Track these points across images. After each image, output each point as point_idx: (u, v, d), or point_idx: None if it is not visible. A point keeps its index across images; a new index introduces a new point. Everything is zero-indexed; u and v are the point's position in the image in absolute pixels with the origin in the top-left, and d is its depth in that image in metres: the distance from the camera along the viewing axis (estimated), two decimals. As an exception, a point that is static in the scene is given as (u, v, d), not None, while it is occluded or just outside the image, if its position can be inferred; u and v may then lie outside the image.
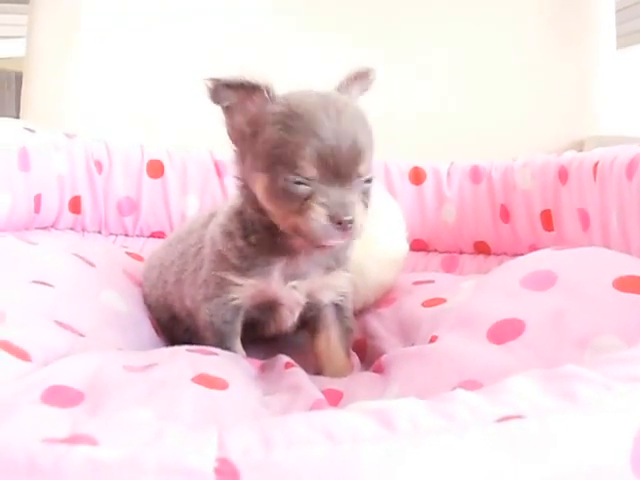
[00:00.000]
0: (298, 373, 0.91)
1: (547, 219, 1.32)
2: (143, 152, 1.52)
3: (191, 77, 1.71)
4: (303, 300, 1.00)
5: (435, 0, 1.78)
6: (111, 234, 1.53)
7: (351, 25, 1.79)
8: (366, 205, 0.89)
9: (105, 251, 1.26)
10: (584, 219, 1.19)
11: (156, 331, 1.12)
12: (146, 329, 1.10)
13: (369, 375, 0.91)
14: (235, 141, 0.93)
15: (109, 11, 1.71)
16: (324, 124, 0.83)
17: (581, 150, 1.63)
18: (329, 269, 0.99)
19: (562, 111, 1.71)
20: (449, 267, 1.50)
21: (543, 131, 1.70)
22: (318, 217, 0.84)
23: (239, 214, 0.97)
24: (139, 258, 1.34)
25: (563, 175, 1.26)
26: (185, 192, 1.53)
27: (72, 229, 1.50)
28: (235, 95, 0.88)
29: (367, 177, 0.88)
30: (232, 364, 0.91)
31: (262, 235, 0.95)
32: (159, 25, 1.74)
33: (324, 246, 0.91)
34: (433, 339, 0.86)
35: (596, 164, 1.15)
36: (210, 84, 0.87)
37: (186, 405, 0.73)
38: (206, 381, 0.78)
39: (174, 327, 1.12)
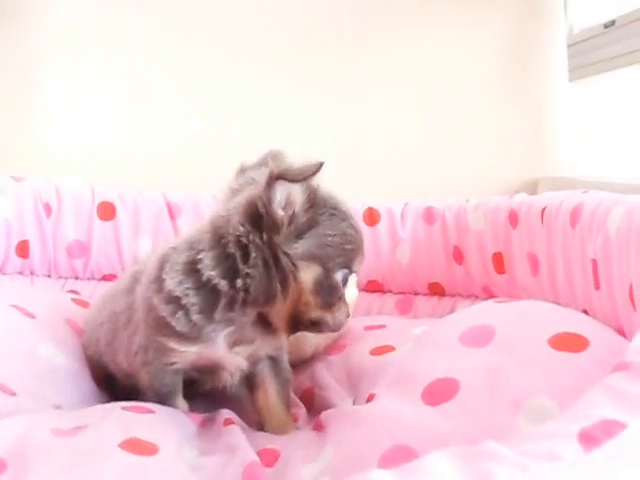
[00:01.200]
0: (235, 431, 0.89)
1: (499, 261, 1.32)
2: (94, 193, 1.50)
3: (143, 116, 1.74)
4: (245, 364, 0.97)
5: (393, 40, 1.79)
6: (61, 277, 1.50)
7: (302, 62, 1.78)
8: None
9: (49, 300, 1.23)
10: (533, 263, 1.19)
11: (97, 384, 1.10)
12: (85, 383, 1.08)
13: (308, 434, 0.89)
14: (282, 223, 0.87)
15: (60, 50, 1.69)
16: (360, 230, 0.94)
17: (535, 191, 1.63)
18: (273, 332, 0.95)
19: (516, 151, 1.72)
20: (404, 308, 1.49)
21: (497, 171, 1.71)
22: (344, 312, 0.92)
23: (202, 287, 0.89)
24: (86, 305, 1.31)
25: (513, 218, 1.26)
26: (137, 234, 1.50)
27: (20, 273, 1.47)
28: (292, 185, 0.86)
29: None
30: (168, 423, 0.89)
31: (231, 312, 0.90)
32: (111, 63, 1.73)
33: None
34: (370, 397, 0.84)
35: (544, 209, 1.15)
36: (275, 171, 0.85)
37: (111, 475, 0.70)
38: (134, 446, 0.76)
39: (111, 383, 1.09)
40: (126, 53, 1.73)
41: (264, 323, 0.92)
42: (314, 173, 0.86)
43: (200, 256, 0.89)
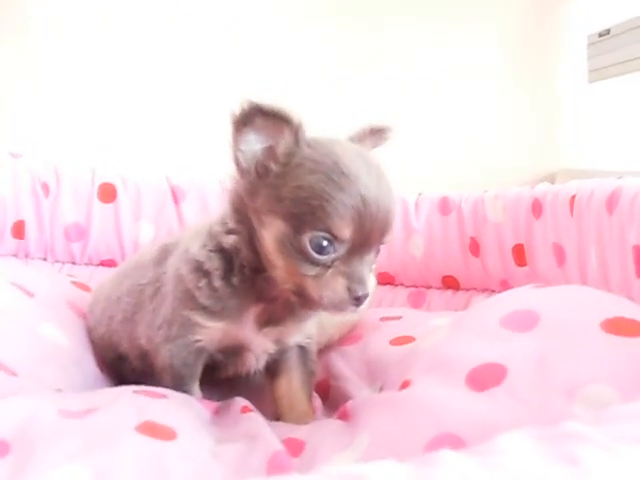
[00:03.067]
0: (255, 419, 0.82)
1: (519, 254, 1.27)
2: (94, 175, 1.43)
3: (148, 97, 1.68)
4: (272, 347, 0.92)
5: (410, 37, 1.75)
6: (57, 261, 1.43)
7: (324, 50, 1.73)
8: (373, 271, 0.83)
9: (48, 280, 1.16)
10: (559, 254, 1.14)
11: (100, 369, 1.03)
12: (89, 366, 1.01)
13: (334, 423, 0.82)
14: (248, 172, 0.80)
15: (67, 26, 1.63)
16: (369, 188, 0.76)
17: (553, 183, 1.59)
18: (304, 315, 0.91)
19: (533, 144, 1.68)
20: (416, 302, 1.44)
21: (514, 163, 1.67)
22: (338, 288, 0.77)
23: (221, 250, 0.86)
24: (86, 288, 1.24)
25: (537, 208, 1.21)
26: (138, 218, 1.44)
27: (14, 255, 1.39)
28: (266, 124, 0.77)
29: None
30: (182, 408, 0.82)
31: (247, 278, 0.85)
32: (113, 43, 1.67)
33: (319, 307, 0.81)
34: (405, 384, 0.78)
35: (573, 197, 1.10)
36: (246, 105, 0.76)
37: (128, 459, 0.64)
38: (152, 430, 0.69)
39: (120, 366, 1.03)
40: (133, 32, 1.67)
41: (293, 303, 0.84)
42: (269, 118, 0.76)
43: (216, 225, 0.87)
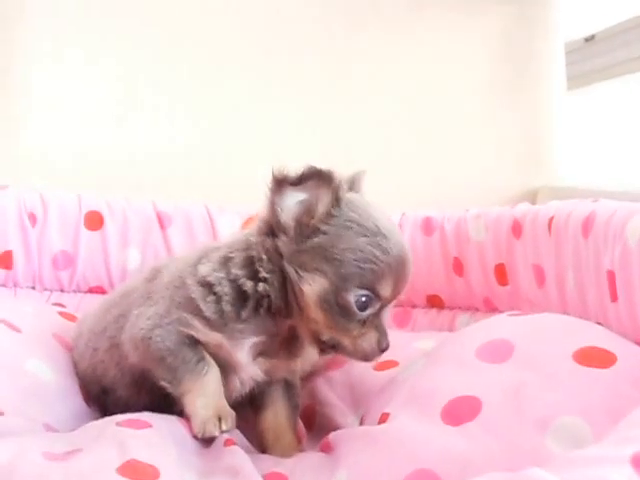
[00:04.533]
0: (237, 452, 0.83)
1: (501, 273, 1.28)
2: (80, 203, 1.44)
3: (132, 123, 1.69)
4: (261, 377, 0.94)
5: (388, 51, 1.76)
6: (46, 289, 1.44)
7: (294, 69, 1.74)
8: None
9: (35, 313, 1.17)
10: (539, 275, 1.15)
11: (87, 402, 1.04)
12: (76, 400, 1.02)
13: (316, 456, 0.84)
14: (288, 229, 0.86)
15: (45, 53, 1.64)
16: (404, 249, 0.87)
17: (534, 200, 1.60)
18: (297, 354, 0.95)
19: (514, 161, 1.69)
20: (402, 322, 1.45)
21: (495, 181, 1.68)
22: (372, 340, 0.86)
23: (236, 284, 0.89)
24: (73, 318, 1.25)
25: (517, 229, 1.23)
26: (126, 245, 1.45)
27: (3, 285, 1.40)
28: (306, 184, 0.83)
29: None
30: (166, 438, 0.83)
31: (257, 314, 0.89)
32: (98, 68, 1.67)
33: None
34: (384, 417, 0.79)
35: (551, 219, 1.11)
36: (278, 178, 0.83)
37: (109, 504, 0.65)
38: (133, 471, 0.71)
39: (104, 400, 1.03)
40: (114, 58, 1.68)
41: (294, 340, 0.90)
42: (312, 178, 0.83)
43: (232, 254, 0.90)
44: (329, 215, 0.84)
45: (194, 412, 0.87)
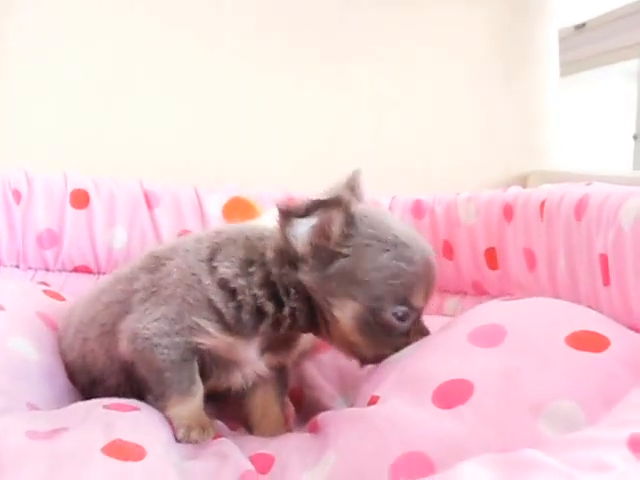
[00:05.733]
0: (226, 442, 0.83)
1: (492, 257, 1.27)
2: (66, 181, 1.42)
3: (119, 98, 1.66)
4: (265, 372, 0.93)
5: (381, 34, 1.74)
6: (30, 268, 1.42)
7: (287, 57, 1.72)
8: None
9: (19, 291, 1.15)
10: (530, 259, 1.15)
11: (72, 381, 1.02)
12: (61, 379, 1.00)
13: (303, 437, 0.83)
14: (306, 257, 0.84)
15: (32, 38, 1.61)
16: (428, 252, 0.86)
17: (525, 184, 1.60)
18: (296, 343, 0.95)
19: (505, 145, 1.69)
20: (390, 305, 1.44)
21: (486, 165, 1.67)
22: None
23: (255, 299, 0.86)
24: (58, 297, 1.23)
25: (508, 212, 1.22)
26: (112, 224, 1.43)
27: (-13, 263, 1.38)
28: (315, 212, 0.81)
29: None
30: (153, 422, 0.82)
31: (279, 331, 0.88)
32: (87, 47, 1.64)
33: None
34: (374, 400, 0.78)
35: (543, 202, 1.11)
36: (283, 211, 0.81)
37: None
38: (119, 451, 0.70)
39: (92, 391, 0.99)
40: (107, 37, 1.65)
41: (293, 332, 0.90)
42: (320, 207, 0.81)
43: (252, 269, 0.87)
44: (345, 236, 0.82)
45: (179, 421, 0.86)
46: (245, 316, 0.86)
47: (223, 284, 0.86)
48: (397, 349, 0.85)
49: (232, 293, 0.86)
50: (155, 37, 1.68)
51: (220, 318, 0.86)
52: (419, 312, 0.87)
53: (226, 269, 0.87)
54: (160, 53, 1.68)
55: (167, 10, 1.69)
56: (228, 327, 0.86)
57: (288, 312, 0.86)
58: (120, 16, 1.67)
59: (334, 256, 0.82)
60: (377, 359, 0.87)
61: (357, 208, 0.85)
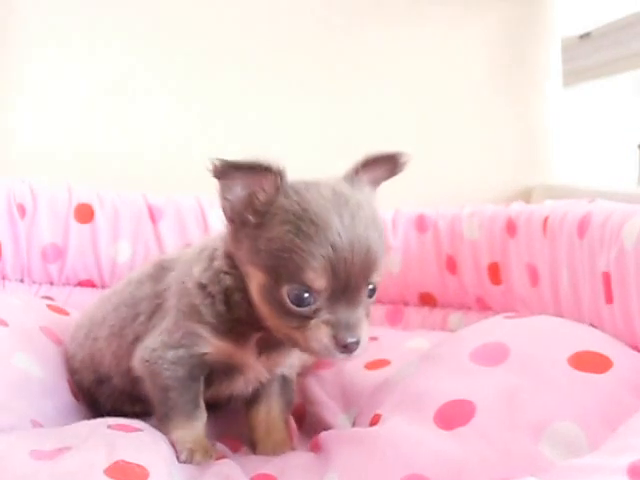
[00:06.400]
0: (228, 463, 0.84)
1: (495, 272, 1.27)
2: (71, 195, 1.42)
3: (124, 115, 1.67)
4: (265, 376, 0.92)
5: (382, 49, 1.74)
6: (34, 283, 1.42)
7: (290, 62, 1.73)
8: (368, 314, 0.81)
9: (23, 306, 1.15)
10: (533, 274, 1.15)
11: (76, 397, 1.03)
12: (64, 396, 1.00)
13: (305, 456, 0.83)
14: (232, 222, 0.83)
15: (38, 43, 1.62)
16: (340, 233, 0.75)
17: (529, 199, 1.60)
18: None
19: (509, 159, 1.68)
20: (394, 319, 1.44)
21: (490, 179, 1.67)
22: (322, 337, 0.76)
23: (220, 280, 0.86)
24: (62, 312, 1.24)
25: (511, 228, 1.22)
26: (116, 238, 1.43)
27: (-9, 277, 1.38)
28: (243, 178, 0.79)
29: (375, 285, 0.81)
30: (156, 443, 0.82)
31: (245, 310, 0.85)
32: (90, 58, 1.65)
33: None
34: (376, 419, 0.78)
35: (546, 219, 1.11)
36: (218, 164, 0.77)
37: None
38: (121, 472, 0.70)
39: (97, 391, 1.02)
40: (108, 47, 1.66)
41: None
42: (252, 168, 0.77)
43: (217, 250, 0.88)
44: (266, 204, 0.78)
45: (182, 445, 0.86)
46: (220, 306, 0.86)
47: (199, 284, 0.87)
48: (302, 333, 0.77)
49: (204, 288, 0.87)
50: (157, 48, 1.69)
51: (205, 321, 0.87)
52: (332, 297, 0.76)
53: (197, 267, 0.89)
54: (163, 63, 1.69)
55: (170, 23, 1.70)
56: (216, 330, 0.87)
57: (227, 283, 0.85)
58: (119, 31, 1.67)
59: (246, 222, 0.79)
60: (291, 341, 0.81)
61: (291, 180, 0.80)
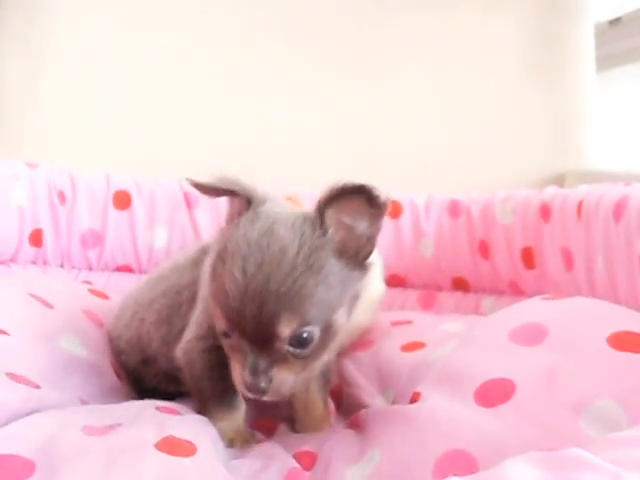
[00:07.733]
0: (271, 444, 0.86)
1: (528, 256, 1.28)
2: (109, 182, 1.45)
3: (160, 104, 1.70)
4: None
5: (414, 35, 1.74)
6: (74, 268, 1.46)
7: (321, 57, 1.74)
8: (307, 359, 0.76)
9: (66, 290, 1.19)
10: (567, 258, 1.15)
11: (119, 377, 1.05)
12: (108, 376, 1.03)
13: (345, 432, 0.85)
14: None
15: (74, 38, 1.65)
16: (235, 280, 0.72)
17: (562, 184, 1.59)
18: None
19: (542, 144, 1.68)
20: (426, 304, 1.45)
21: (523, 164, 1.67)
22: (235, 374, 0.77)
23: None
24: (103, 295, 1.27)
25: (545, 212, 1.22)
26: (153, 224, 1.46)
27: (33, 263, 1.42)
28: (223, 195, 0.81)
29: (300, 335, 0.74)
30: (202, 422, 0.85)
31: None
32: (126, 51, 1.68)
33: None
34: (415, 397, 0.80)
35: (580, 202, 1.11)
36: (194, 186, 0.78)
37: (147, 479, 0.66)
38: (171, 446, 0.72)
39: (142, 371, 1.05)
40: (143, 36, 1.69)
41: None
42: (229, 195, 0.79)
43: None
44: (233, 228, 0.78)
45: (223, 435, 0.87)
46: None
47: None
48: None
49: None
50: (195, 32, 1.71)
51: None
52: (241, 339, 0.74)
53: (209, 258, 0.87)
54: (203, 47, 1.71)
55: (195, 21, 1.72)
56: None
57: None
58: (150, 31, 1.70)
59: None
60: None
61: (263, 207, 0.77)
